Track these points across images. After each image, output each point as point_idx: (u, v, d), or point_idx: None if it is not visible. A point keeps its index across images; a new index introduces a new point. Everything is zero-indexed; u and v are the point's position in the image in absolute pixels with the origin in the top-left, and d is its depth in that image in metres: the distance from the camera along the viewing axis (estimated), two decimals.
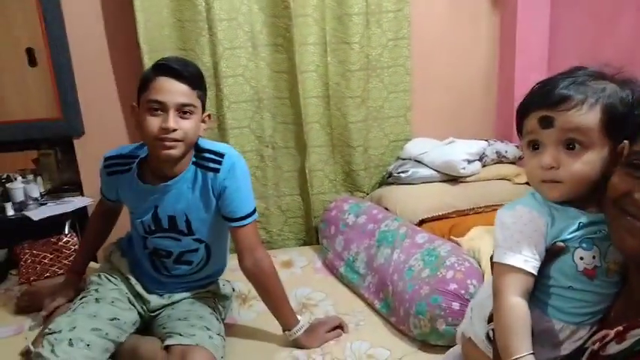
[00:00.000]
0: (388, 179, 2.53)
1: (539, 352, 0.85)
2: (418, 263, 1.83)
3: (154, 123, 1.49)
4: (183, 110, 1.51)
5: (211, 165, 1.61)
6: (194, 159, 1.62)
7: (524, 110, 0.86)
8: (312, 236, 2.65)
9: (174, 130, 1.49)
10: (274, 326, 1.77)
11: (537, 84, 0.87)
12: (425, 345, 1.72)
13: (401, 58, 2.49)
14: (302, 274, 2.28)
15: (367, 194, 2.62)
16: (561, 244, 0.83)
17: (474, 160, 2.34)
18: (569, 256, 0.83)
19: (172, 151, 1.52)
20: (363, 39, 2.42)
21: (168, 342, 1.58)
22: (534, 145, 0.85)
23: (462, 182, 2.35)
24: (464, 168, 2.30)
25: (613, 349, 0.73)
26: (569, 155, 0.81)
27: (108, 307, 1.66)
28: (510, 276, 0.83)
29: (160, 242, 1.70)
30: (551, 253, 0.83)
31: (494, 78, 2.62)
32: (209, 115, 1.65)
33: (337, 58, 2.44)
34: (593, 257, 0.82)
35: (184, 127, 1.52)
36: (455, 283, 1.67)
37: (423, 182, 2.38)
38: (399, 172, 2.44)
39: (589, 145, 0.80)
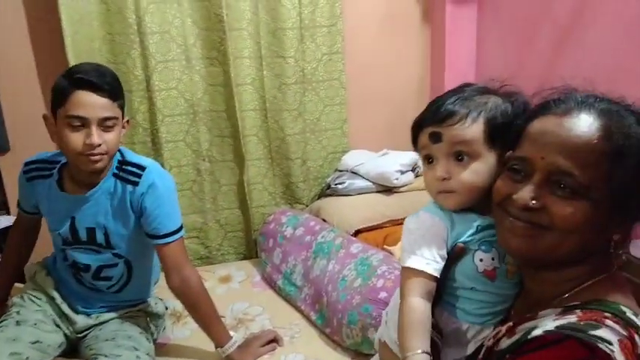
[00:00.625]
0: (327, 191, 2.55)
1: (448, 352, 0.89)
2: (351, 273, 1.85)
3: (76, 139, 1.45)
4: (105, 124, 1.48)
5: (131, 178, 1.58)
6: (115, 170, 1.59)
7: (417, 127, 0.92)
8: (252, 250, 2.63)
9: (99, 145, 1.46)
10: (209, 343, 1.74)
11: (429, 103, 0.92)
12: (358, 354, 1.73)
13: (336, 72, 2.53)
14: (240, 289, 2.26)
15: (307, 206, 2.63)
16: (461, 244, 0.86)
17: (407, 171, 2.40)
18: (469, 258, 0.87)
19: (98, 165, 1.50)
20: (298, 53, 2.44)
21: None
22: (429, 159, 0.90)
23: (395, 192, 2.40)
24: (397, 179, 2.35)
25: (505, 343, 0.77)
26: (458, 166, 0.86)
27: (30, 329, 1.59)
28: (412, 278, 0.86)
29: (78, 255, 1.64)
30: (453, 255, 0.87)
31: (426, 91, 2.69)
32: (127, 121, 1.62)
33: (273, 71, 2.45)
34: (492, 259, 0.86)
35: (108, 139, 1.49)
36: (385, 292, 1.70)
37: (359, 193, 2.41)
38: (336, 184, 2.47)
39: (476, 156, 0.85)
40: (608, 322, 0.69)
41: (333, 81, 2.54)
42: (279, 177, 2.62)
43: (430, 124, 0.88)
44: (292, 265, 2.16)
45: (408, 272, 0.87)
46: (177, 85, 2.37)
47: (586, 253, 0.76)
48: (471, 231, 0.87)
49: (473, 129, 0.85)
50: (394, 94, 2.67)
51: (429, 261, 0.85)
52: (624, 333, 0.68)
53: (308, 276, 2.05)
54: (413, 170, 2.43)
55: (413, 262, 0.86)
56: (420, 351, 0.80)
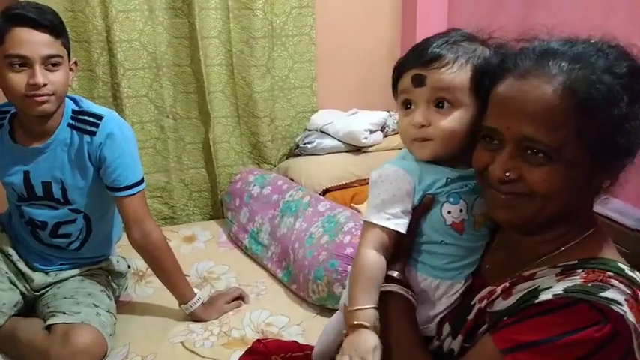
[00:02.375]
0: (295, 151, 2.51)
1: (420, 309, 0.86)
2: (318, 230, 1.83)
3: (19, 80, 1.36)
4: (50, 62, 1.39)
5: (88, 128, 1.50)
6: (70, 121, 1.51)
7: (399, 69, 0.85)
8: (217, 210, 2.58)
9: (45, 84, 1.37)
10: (172, 302, 1.71)
11: (416, 44, 0.86)
12: (323, 309, 1.73)
13: (305, 27, 2.45)
14: (205, 249, 2.22)
15: (275, 166, 2.59)
16: (430, 196, 0.83)
17: (376, 131, 2.37)
18: (437, 210, 0.84)
19: (46, 106, 1.41)
20: (267, 5, 2.35)
21: (50, 321, 1.48)
22: (407, 104, 0.85)
23: (364, 152, 2.38)
24: (366, 138, 2.32)
25: (500, 305, 0.75)
26: (439, 113, 0.81)
27: None
28: (371, 232, 0.83)
29: (34, 212, 1.57)
30: (422, 207, 0.84)
31: (397, 49, 2.65)
32: (75, 62, 1.53)
33: (240, 24, 2.36)
34: (460, 211, 0.83)
35: (54, 80, 1.40)
36: (351, 247, 1.69)
37: (328, 153, 2.39)
38: (305, 144, 2.43)
39: (458, 104, 0.81)
40: (614, 281, 0.68)
41: (302, 36, 2.46)
42: (246, 136, 2.56)
43: (414, 66, 0.82)
44: (259, 224, 2.13)
45: (367, 226, 0.84)
46: (140, 36, 2.26)
47: (573, 210, 0.75)
48: (440, 183, 0.84)
49: (460, 75, 0.80)
50: (365, 53, 2.62)
51: (390, 216, 0.82)
52: (629, 292, 0.68)
53: (275, 234, 2.02)
54: (382, 130, 2.41)
55: (373, 217, 0.83)
56: (368, 306, 0.78)
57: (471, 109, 0.81)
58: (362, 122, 2.33)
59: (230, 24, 2.34)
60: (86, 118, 1.51)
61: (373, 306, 0.78)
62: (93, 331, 1.46)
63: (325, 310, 1.73)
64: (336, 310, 1.66)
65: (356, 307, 0.78)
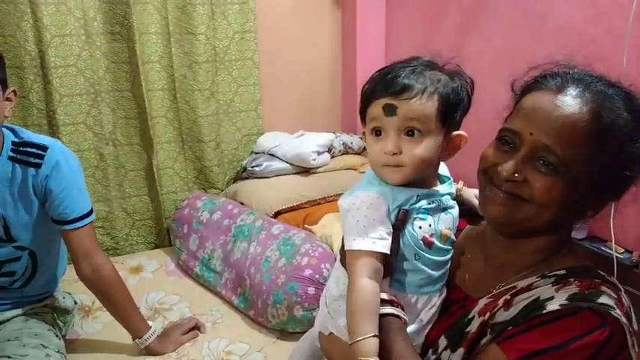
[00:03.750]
0: (243, 174, 2.50)
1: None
2: (274, 253, 1.83)
3: None
4: None
5: (31, 160, 1.42)
6: (11, 153, 1.42)
7: (368, 97, 0.88)
8: (163, 239, 2.50)
9: None
10: (124, 336, 1.64)
11: (378, 72, 0.90)
12: (284, 334, 1.73)
13: (249, 52, 2.47)
14: (153, 279, 2.15)
15: (222, 190, 2.55)
16: (404, 210, 0.86)
17: (323, 152, 2.42)
18: (409, 226, 0.87)
19: None
20: (209, 30, 2.35)
21: None
22: (377, 132, 0.87)
23: (313, 173, 2.41)
24: (314, 159, 2.36)
25: (502, 316, 0.77)
26: (409, 142, 0.85)
27: None
28: (360, 260, 0.83)
29: None
30: (399, 223, 0.86)
31: (338, 72, 2.72)
32: (14, 91, 1.44)
33: (182, 49, 2.34)
34: (430, 225, 0.88)
35: None
36: (310, 269, 1.70)
37: (277, 175, 2.39)
38: (253, 166, 2.42)
39: (427, 132, 0.85)
40: (603, 287, 0.74)
41: (246, 60, 2.47)
42: (191, 161, 2.52)
43: (384, 95, 0.84)
44: (210, 250, 2.09)
45: (354, 255, 0.84)
46: (76, 61, 2.18)
47: (559, 225, 0.81)
48: (412, 200, 0.87)
49: (428, 105, 0.84)
50: (307, 76, 2.67)
51: (375, 239, 0.83)
52: (615, 296, 0.74)
53: (228, 260, 1.99)
54: (329, 151, 2.45)
55: (359, 244, 0.83)
56: (370, 335, 0.78)
57: (438, 136, 0.86)
58: (309, 144, 2.36)
59: (172, 48, 2.31)
60: (29, 149, 1.43)
61: (376, 334, 0.79)
62: None
63: (286, 334, 1.72)
64: (297, 332, 1.69)
65: (359, 338, 0.78)
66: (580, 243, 1.63)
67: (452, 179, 0.95)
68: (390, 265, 0.86)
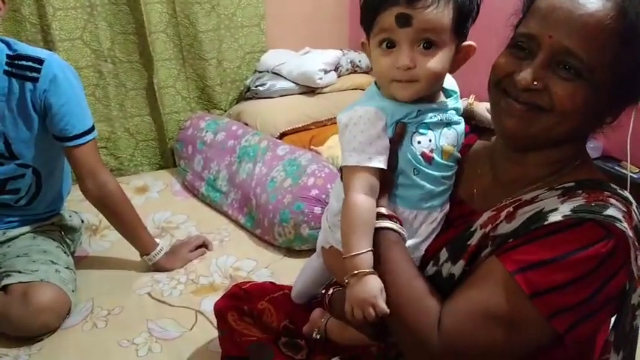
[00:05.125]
0: (246, 94, 2.43)
1: None
2: (280, 174, 1.81)
3: None
4: None
5: (28, 73, 1.36)
6: (6, 67, 1.36)
7: (377, 5, 0.80)
8: (168, 159, 2.48)
9: None
10: (132, 253, 1.66)
11: None
12: (290, 251, 1.74)
13: None
14: (159, 199, 2.15)
15: (225, 111, 2.50)
16: (401, 124, 0.83)
17: (330, 71, 2.33)
18: (407, 140, 0.83)
19: None
20: None
21: (5, 282, 1.39)
22: (388, 44, 0.81)
23: (319, 93, 2.34)
24: (320, 78, 2.28)
25: (504, 228, 0.75)
26: (424, 54, 0.79)
27: None
28: (356, 175, 0.81)
29: None
30: (395, 138, 0.83)
31: None
32: (3, 1, 1.34)
33: None
34: (430, 140, 0.84)
35: None
36: (316, 189, 1.69)
37: (282, 95, 2.33)
38: (256, 86, 2.35)
39: (442, 45, 0.79)
40: (612, 200, 0.71)
41: None
42: (192, 79, 2.44)
43: (396, 3, 0.77)
44: (215, 170, 2.07)
45: (350, 170, 0.82)
46: None
47: (576, 135, 0.76)
48: (411, 115, 0.83)
49: (445, 15, 0.77)
50: None
51: (371, 155, 0.81)
52: (624, 209, 0.71)
53: (234, 180, 1.97)
54: (336, 70, 2.36)
55: (355, 160, 0.81)
56: (365, 250, 0.78)
57: (452, 47, 0.80)
58: (315, 62, 2.28)
59: None
60: (24, 62, 1.36)
61: (370, 249, 0.78)
62: (54, 289, 1.40)
63: (292, 252, 1.73)
64: (303, 250, 1.71)
65: (354, 253, 0.78)
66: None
67: (458, 93, 0.90)
68: (389, 180, 0.83)
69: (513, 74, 0.74)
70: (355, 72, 2.46)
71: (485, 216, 0.79)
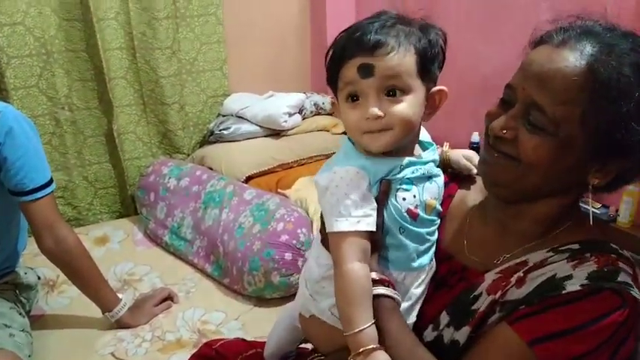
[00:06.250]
0: (210, 138, 2.40)
1: None
2: (248, 220, 1.77)
3: None
4: None
5: None
6: None
7: (338, 60, 0.78)
8: (128, 207, 2.41)
9: None
10: (93, 309, 1.57)
11: (342, 32, 0.81)
12: (260, 300, 1.69)
13: (212, 7, 2.33)
14: (120, 249, 2.06)
15: (188, 155, 2.45)
16: (386, 180, 0.80)
17: (294, 113, 2.33)
18: (392, 198, 0.80)
19: None
20: None
21: None
22: (353, 97, 0.79)
23: (284, 136, 2.33)
24: (285, 121, 2.27)
25: (514, 294, 0.73)
26: (392, 102, 0.77)
27: None
28: (347, 242, 0.77)
29: None
30: (382, 195, 0.79)
31: (307, 28, 2.61)
32: None
33: (140, 4, 2.18)
34: (414, 196, 0.81)
35: None
36: (286, 234, 1.65)
37: (247, 138, 2.31)
38: (220, 130, 2.32)
39: (409, 90, 0.77)
40: (620, 264, 0.70)
41: (209, 16, 2.34)
42: (154, 124, 2.40)
43: (356, 54, 0.75)
44: (180, 218, 2.01)
45: (338, 237, 0.77)
46: (24, 19, 2.00)
47: (558, 190, 0.76)
48: (395, 171, 0.80)
49: (407, 59, 0.76)
50: (274, 30, 2.55)
51: (359, 218, 0.76)
52: (631, 272, 0.70)
53: (199, 227, 1.92)
54: (300, 112, 2.37)
55: (343, 225, 0.76)
56: (368, 324, 0.73)
57: (419, 93, 0.78)
58: (279, 105, 2.28)
59: (129, 4, 2.16)
60: None
61: (373, 322, 0.74)
62: (8, 356, 1.29)
63: (262, 301, 1.68)
64: (275, 299, 1.66)
65: (357, 329, 0.73)
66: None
67: (435, 145, 0.88)
68: (377, 242, 0.79)
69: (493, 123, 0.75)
70: (319, 114, 2.47)
71: (489, 279, 0.77)
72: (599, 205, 1.58)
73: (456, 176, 0.93)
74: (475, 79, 1.72)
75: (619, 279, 0.69)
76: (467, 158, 0.92)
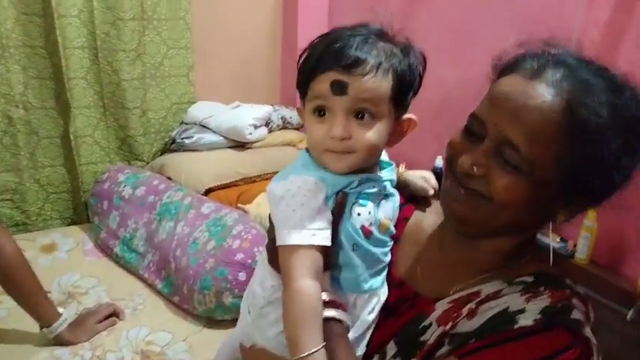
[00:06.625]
0: (171, 146, 2.32)
1: None
2: (204, 235, 1.70)
3: None
4: None
5: None
6: None
7: (311, 69, 0.74)
8: (80, 214, 2.30)
9: None
10: (31, 323, 1.47)
11: (320, 37, 0.76)
12: (211, 322, 1.62)
13: (180, 11, 2.27)
14: (68, 259, 1.96)
15: (147, 163, 2.37)
16: (342, 193, 0.75)
17: (261, 126, 2.28)
18: (347, 213, 0.76)
19: None
20: None
21: None
22: (320, 111, 0.75)
23: (248, 148, 2.28)
24: (251, 134, 2.22)
25: (465, 326, 0.70)
26: (359, 125, 0.73)
27: None
28: (299, 256, 0.72)
29: None
30: (338, 208, 0.75)
31: (278, 42, 2.57)
32: None
33: (105, 3, 2.11)
34: (369, 213, 0.77)
35: None
36: (242, 253, 1.59)
37: (209, 149, 2.25)
38: (182, 138, 2.26)
39: (380, 116, 0.74)
40: (574, 300, 0.68)
41: (177, 20, 2.28)
42: (113, 129, 2.30)
43: (332, 68, 0.71)
44: (132, 229, 1.92)
45: (290, 250, 0.72)
46: None
47: (524, 227, 0.73)
48: (352, 185, 0.76)
49: (383, 85, 0.72)
50: (244, 39, 2.50)
51: (314, 231, 0.72)
52: (583, 309, 0.68)
53: (152, 240, 1.84)
54: (267, 125, 2.32)
55: (297, 238, 0.71)
56: (318, 347, 0.68)
57: (389, 120, 0.75)
58: (245, 117, 2.22)
59: (93, 2, 2.08)
60: None
61: (323, 345, 0.69)
62: None
63: (213, 323, 1.61)
64: (225, 320, 1.58)
65: (306, 353, 0.67)
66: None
67: (393, 165, 0.85)
68: (330, 259, 0.74)
69: (460, 157, 0.71)
70: (286, 128, 2.43)
71: (439, 308, 0.73)
72: (559, 239, 1.57)
73: (412, 197, 0.89)
74: (439, 102, 1.71)
75: (572, 316, 0.66)
76: (423, 179, 0.89)
